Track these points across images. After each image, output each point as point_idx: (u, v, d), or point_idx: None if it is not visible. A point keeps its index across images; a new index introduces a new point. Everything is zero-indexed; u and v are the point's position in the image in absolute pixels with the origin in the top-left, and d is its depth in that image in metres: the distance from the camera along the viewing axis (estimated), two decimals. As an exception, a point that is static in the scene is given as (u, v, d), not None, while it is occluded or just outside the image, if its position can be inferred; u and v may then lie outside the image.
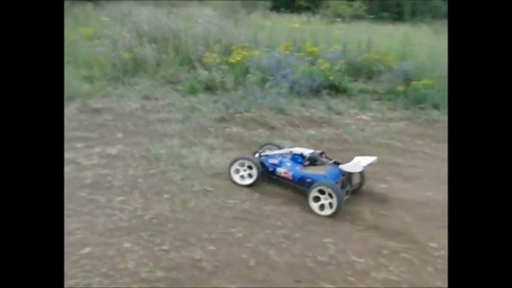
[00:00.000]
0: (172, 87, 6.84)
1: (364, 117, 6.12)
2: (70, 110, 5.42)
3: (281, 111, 5.75)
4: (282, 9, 19.13)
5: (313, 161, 3.79)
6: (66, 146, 4.41)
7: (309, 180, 3.61)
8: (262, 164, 3.88)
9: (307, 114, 5.82)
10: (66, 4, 10.50)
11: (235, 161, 3.87)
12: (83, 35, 8.29)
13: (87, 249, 2.81)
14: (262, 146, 4.28)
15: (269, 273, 2.70)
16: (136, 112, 5.46)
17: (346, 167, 3.60)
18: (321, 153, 3.88)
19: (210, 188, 3.69)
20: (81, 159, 4.12)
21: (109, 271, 2.61)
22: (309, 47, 8.42)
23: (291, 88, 6.57)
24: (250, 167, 3.82)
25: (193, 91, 6.47)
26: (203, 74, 6.80)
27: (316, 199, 3.46)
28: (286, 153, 3.92)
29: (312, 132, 5.20)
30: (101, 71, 6.78)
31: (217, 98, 6.15)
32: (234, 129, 5.06)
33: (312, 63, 7.45)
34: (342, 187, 3.58)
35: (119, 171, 3.93)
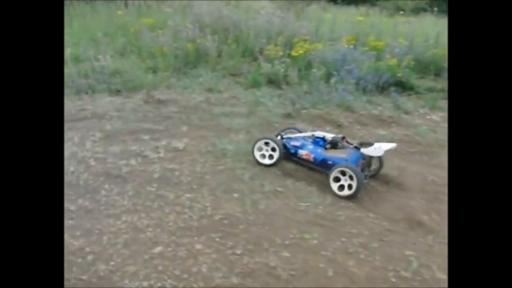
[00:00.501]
0: (234, 79, 6.72)
1: (435, 117, 5.74)
2: (135, 101, 5.41)
3: (348, 108, 5.49)
4: (339, 1, 18.59)
5: (334, 145, 3.87)
6: (132, 137, 4.40)
7: (330, 162, 3.69)
8: (284, 145, 3.95)
9: (375, 112, 5.54)
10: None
11: (258, 140, 3.94)
12: (145, 25, 8.31)
13: (158, 249, 2.73)
14: (284, 129, 4.33)
15: (348, 285, 2.52)
16: (200, 105, 5.37)
17: (367, 151, 3.65)
18: (343, 138, 3.94)
19: (280, 189, 3.53)
20: (148, 152, 4.06)
21: (182, 274, 2.51)
22: (373, 41, 8.06)
23: (356, 84, 6.28)
24: (272, 148, 3.90)
25: (255, 84, 6.32)
26: (266, 66, 6.62)
27: (337, 180, 3.54)
28: (308, 136, 4.02)
29: (382, 132, 4.92)
30: (164, 62, 6.75)
31: (281, 93, 5.97)
32: (300, 126, 4.85)
33: (378, 59, 7.11)
34: (362, 170, 3.64)
35: (186, 166, 3.84)
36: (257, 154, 3.95)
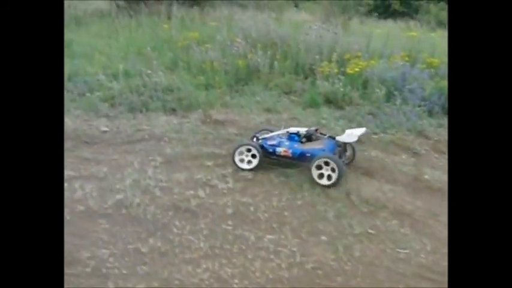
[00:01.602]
0: (288, 97, 6.34)
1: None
2: (192, 121, 5.07)
3: (420, 133, 5.03)
4: (376, 14, 18.10)
5: (309, 138, 3.99)
6: (195, 163, 4.05)
7: (308, 155, 3.79)
8: (261, 146, 3.96)
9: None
10: (173, 7, 10.45)
11: (237, 148, 3.94)
12: (191, 39, 8.03)
13: (251, 307, 2.34)
14: (259, 131, 4.37)
15: None
16: (261, 126, 4.99)
17: (342, 138, 3.85)
18: (316, 130, 4.09)
19: (371, 231, 3.11)
20: (216, 182, 3.70)
21: None
22: (427, 58, 7.56)
23: (421, 106, 5.80)
24: (251, 153, 3.92)
25: (314, 104, 5.92)
26: (323, 85, 6.22)
27: (319, 172, 3.65)
28: (283, 133, 4.09)
29: (464, 161, 4.43)
30: (215, 78, 6.43)
31: (343, 114, 5.55)
32: (373, 153, 4.43)
33: (442, 78, 6.63)
34: (340, 157, 3.81)
35: (260, 199, 3.46)
36: (238, 162, 3.93)
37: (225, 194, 3.53)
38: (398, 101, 5.69)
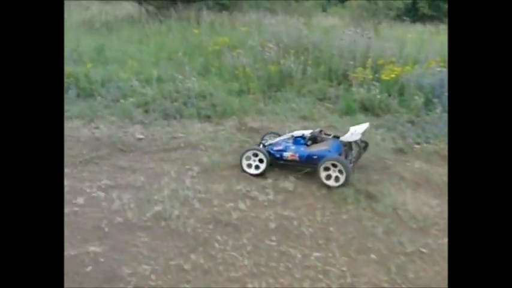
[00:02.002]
0: (322, 104, 6.18)
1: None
2: (227, 129, 4.97)
3: (464, 143, 4.79)
4: (407, 18, 17.73)
5: (314, 140, 4.02)
6: (233, 173, 3.94)
7: (315, 157, 3.81)
8: (268, 152, 3.96)
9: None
10: (201, 11, 10.43)
11: (244, 153, 3.95)
12: (221, 44, 7.96)
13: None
14: (264, 136, 4.42)
15: None
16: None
17: (346, 138, 3.89)
18: (320, 131, 4.11)
19: (424, 250, 2.93)
20: (256, 193, 3.57)
21: None
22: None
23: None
24: (259, 158, 3.93)
25: (350, 111, 5.75)
26: (359, 92, 6.04)
27: (327, 174, 3.67)
28: (288, 138, 4.08)
29: None
30: (248, 84, 6.32)
31: (381, 122, 5.36)
32: (417, 165, 4.24)
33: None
34: (346, 157, 3.88)
35: (303, 213, 3.32)
36: (245, 166, 3.94)
37: (266, 206, 3.40)
38: (439, 109, 5.47)
